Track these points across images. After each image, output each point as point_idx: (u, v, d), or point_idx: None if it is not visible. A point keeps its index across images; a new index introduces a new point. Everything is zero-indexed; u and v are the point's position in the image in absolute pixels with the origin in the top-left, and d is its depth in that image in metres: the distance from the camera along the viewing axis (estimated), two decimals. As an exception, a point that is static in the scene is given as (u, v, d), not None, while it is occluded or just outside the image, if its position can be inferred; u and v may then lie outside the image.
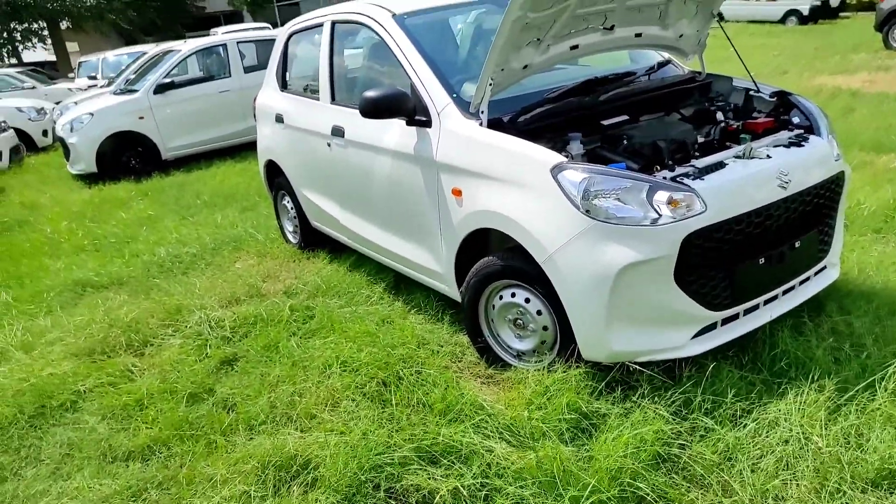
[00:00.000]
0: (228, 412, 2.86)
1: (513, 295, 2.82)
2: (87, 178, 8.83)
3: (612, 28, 3.03)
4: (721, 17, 3.36)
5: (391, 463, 2.23)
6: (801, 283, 2.85)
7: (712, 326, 2.59)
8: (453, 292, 3.22)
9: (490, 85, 2.76)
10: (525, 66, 2.88)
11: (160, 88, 8.84)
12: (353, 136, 3.64)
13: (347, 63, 4.03)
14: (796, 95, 3.15)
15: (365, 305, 3.77)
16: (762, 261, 2.59)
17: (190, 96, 9.07)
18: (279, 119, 4.59)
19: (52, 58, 28.34)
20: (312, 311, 3.72)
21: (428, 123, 3.07)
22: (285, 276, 4.52)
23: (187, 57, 9.31)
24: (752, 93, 3.29)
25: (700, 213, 2.40)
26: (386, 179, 3.45)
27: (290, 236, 5.11)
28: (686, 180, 2.47)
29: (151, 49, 12.00)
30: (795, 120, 3.03)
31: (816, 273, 2.93)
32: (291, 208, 4.87)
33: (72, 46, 31.32)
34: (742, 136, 2.94)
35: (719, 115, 3.22)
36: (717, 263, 2.50)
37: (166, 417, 2.83)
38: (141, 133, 8.83)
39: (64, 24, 26.57)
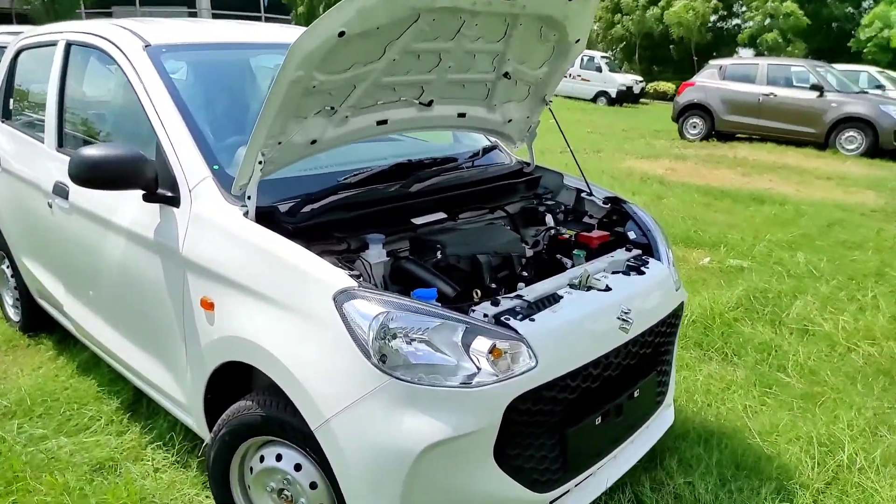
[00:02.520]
0: None
1: (278, 458, 1.99)
2: None
3: (430, 104, 2.41)
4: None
5: None
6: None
7: (536, 509, 1.97)
8: (203, 431, 2.31)
9: (260, 163, 1.98)
10: (313, 142, 2.14)
11: None
12: (79, 199, 2.63)
13: (83, 100, 3.00)
14: (631, 204, 2.75)
15: (84, 435, 2.70)
16: (598, 419, 2.04)
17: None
18: (-6, 159, 3.39)
19: None
20: (1, 445, 2.57)
21: (175, 201, 2.19)
22: (-14, 374, 3.27)
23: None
24: (583, 194, 2.84)
25: (529, 370, 1.79)
26: (117, 266, 2.48)
27: (10, 312, 3.82)
28: (513, 321, 1.85)
29: None
30: (631, 235, 2.60)
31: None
32: (11, 276, 3.63)
33: None
34: (575, 251, 2.44)
35: (549, 219, 2.72)
36: (546, 430, 1.89)
37: None
38: None
39: None
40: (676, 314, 2.42)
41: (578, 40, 2.54)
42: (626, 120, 18.08)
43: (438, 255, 2.16)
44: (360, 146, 2.64)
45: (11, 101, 3.49)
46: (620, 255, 2.40)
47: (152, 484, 2.37)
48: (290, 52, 1.75)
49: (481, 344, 1.76)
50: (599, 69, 23.39)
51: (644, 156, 11.10)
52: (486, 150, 2.95)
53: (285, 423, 1.90)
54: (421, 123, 2.52)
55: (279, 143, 2.00)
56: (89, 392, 3.02)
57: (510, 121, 2.83)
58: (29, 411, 2.85)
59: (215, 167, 2.18)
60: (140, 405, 2.90)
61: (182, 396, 2.34)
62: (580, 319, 1.97)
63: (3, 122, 3.48)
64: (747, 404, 3.01)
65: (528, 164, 3.02)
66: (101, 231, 2.54)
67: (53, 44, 3.03)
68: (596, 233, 2.53)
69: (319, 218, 2.10)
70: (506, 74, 2.51)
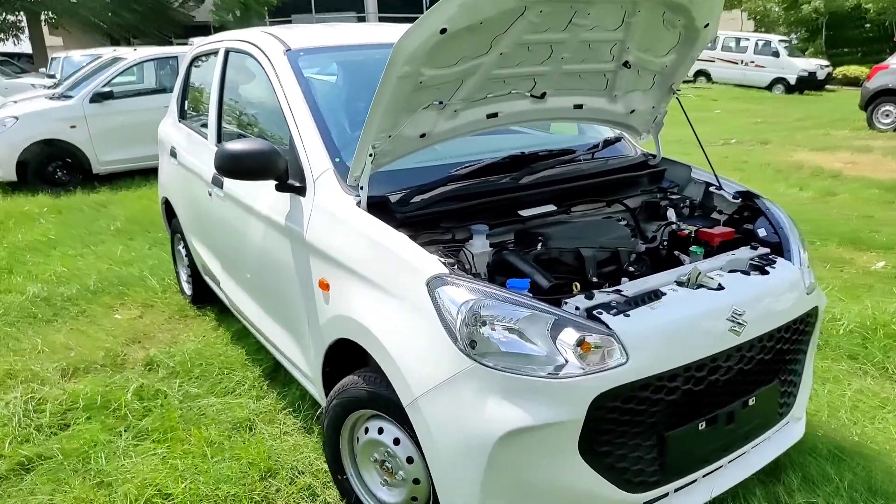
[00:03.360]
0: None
1: (380, 431, 2.13)
2: (6, 187, 8.03)
3: (542, 96, 2.40)
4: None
5: None
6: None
7: (630, 509, 1.92)
8: (323, 400, 2.52)
9: (371, 155, 2.11)
10: (423, 135, 2.23)
11: (98, 97, 8.12)
12: (230, 189, 2.96)
13: (238, 100, 3.36)
14: (764, 199, 2.54)
15: (229, 397, 3.05)
16: (703, 425, 1.93)
17: (131, 108, 8.35)
18: (173, 153, 3.91)
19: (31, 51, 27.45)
20: (159, 399, 2.99)
21: (302, 191, 2.40)
22: (161, 338, 3.80)
23: (132, 66, 8.64)
24: (712, 189, 2.68)
25: (619, 366, 1.75)
26: (258, 248, 2.77)
27: (184, 286, 4.38)
28: (605, 315, 1.81)
29: (107, 53, 11.29)
30: (761, 233, 2.40)
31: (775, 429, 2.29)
32: (185, 255, 4.16)
33: (55, 41, 30.46)
34: (693, 247, 2.32)
35: (670, 214, 2.60)
36: (642, 430, 1.83)
37: None
38: (71, 143, 8.07)
39: (43, 17, 25.70)
40: (808, 320, 2.22)
41: (707, 24, 2.39)
42: (804, 108, 16.39)
43: (540, 247, 2.16)
44: (483, 138, 2.72)
45: (186, 102, 3.99)
46: (744, 254, 2.24)
47: (279, 445, 2.62)
48: (395, 50, 1.85)
49: (569, 336, 1.75)
50: (777, 54, 21.39)
51: (819, 147, 10.04)
52: (609, 143, 2.88)
53: (386, 399, 2.02)
54: (534, 116, 2.53)
55: (389, 136, 2.12)
56: (238, 360, 3.40)
57: (633, 111, 2.74)
58: (189, 372, 3.27)
59: (336, 160, 2.36)
60: (278, 374, 3.22)
61: (307, 368, 2.56)
62: (682, 318, 1.88)
63: (180, 121, 4.00)
64: (903, 427, 2.67)
65: (653, 157, 2.91)
66: (245, 217, 2.84)
67: (216, 52, 3.43)
68: (718, 229, 2.38)
69: (427, 208, 2.20)
70: (626, 63, 2.43)
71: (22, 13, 25.32)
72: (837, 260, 4.83)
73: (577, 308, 1.84)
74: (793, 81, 20.91)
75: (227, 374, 3.25)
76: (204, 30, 28.14)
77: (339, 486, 2.33)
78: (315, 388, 2.57)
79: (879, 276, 4.49)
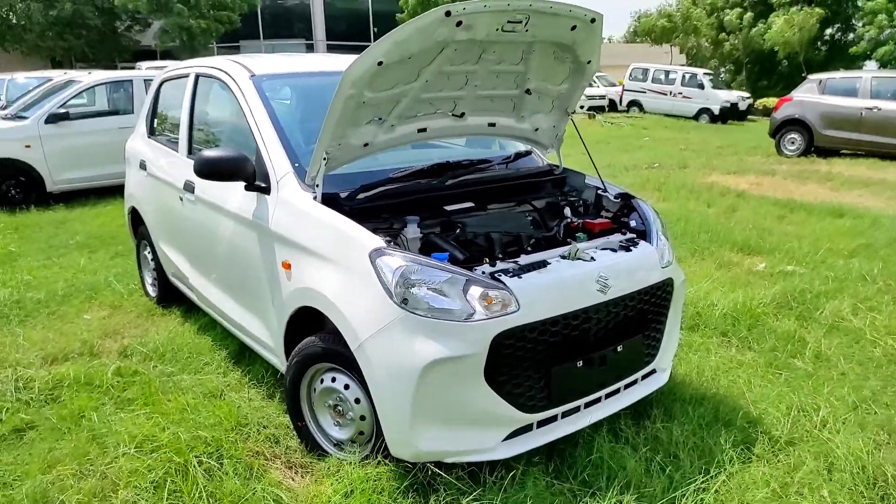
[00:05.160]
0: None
1: (333, 380, 2.67)
2: (-43, 206, 8.19)
3: (462, 115, 3.03)
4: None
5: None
6: (627, 386, 2.84)
7: (527, 428, 2.51)
8: (283, 366, 3.03)
9: (325, 159, 2.68)
10: (366, 144, 2.82)
11: (53, 118, 8.40)
12: (202, 193, 3.47)
13: (206, 117, 3.88)
14: (638, 199, 3.22)
15: (200, 374, 3.51)
16: (580, 363, 2.55)
17: (86, 129, 8.65)
18: (143, 166, 4.37)
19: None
20: (137, 377, 3.43)
21: (267, 190, 2.94)
22: (131, 332, 4.20)
23: (87, 89, 8.95)
24: (600, 192, 3.35)
25: (513, 313, 2.35)
26: (227, 243, 3.28)
27: (149, 289, 4.80)
28: (503, 277, 2.42)
29: (58, 76, 11.51)
30: (633, 223, 3.08)
31: (645, 377, 2.93)
32: (151, 259, 4.59)
33: (-8, 63, 29.93)
34: (578, 234, 2.96)
35: (567, 211, 3.25)
36: (532, 364, 2.43)
37: (-82, 496, 2.47)
38: (25, 162, 8.31)
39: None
40: (665, 288, 2.88)
41: (590, 61, 3.06)
42: (725, 137, 17.76)
43: (459, 232, 2.77)
44: (415, 150, 3.33)
45: (155, 121, 4.48)
46: (615, 238, 2.90)
47: (246, 406, 3.11)
48: (344, 76, 2.44)
49: (476, 292, 2.35)
50: (702, 86, 23.02)
51: (731, 171, 11.09)
52: (520, 155, 3.53)
53: (338, 352, 2.57)
54: (456, 132, 3.15)
55: (339, 144, 2.70)
56: (205, 345, 3.86)
57: (537, 129, 3.39)
58: (161, 357, 3.71)
59: (296, 165, 2.91)
60: (243, 356, 3.69)
61: (270, 340, 3.07)
62: (561, 280, 2.51)
63: (149, 137, 4.47)
64: (751, 381, 3.35)
65: (556, 167, 3.57)
66: (216, 216, 3.35)
67: (186, 76, 3.95)
68: (598, 220, 3.04)
69: (370, 202, 2.78)
70: (527, 91, 3.09)
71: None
72: (728, 262, 5.62)
73: (482, 272, 2.44)
74: (716, 112, 22.50)
75: (196, 356, 3.71)
76: (149, 55, 28.19)
77: (299, 432, 2.84)
78: (277, 358, 3.08)
79: (760, 274, 5.28)
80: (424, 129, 2.99)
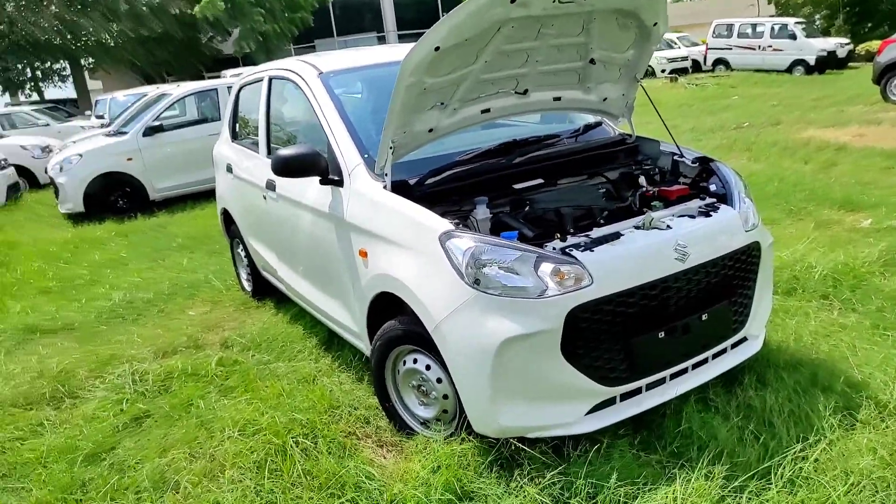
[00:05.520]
0: (123, 475, 2.78)
1: (415, 361, 2.75)
2: (76, 218, 8.95)
3: (525, 92, 3.01)
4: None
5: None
6: (716, 356, 2.75)
7: (611, 402, 2.49)
8: (368, 350, 3.14)
9: (391, 148, 2.74)
10: (431, 130, 2.86)
11: (149, 131, 9.01)
12: (282, 190, 3.63)
13: (282, 118, 4.04)
14: (717, 162, 3.09)
15: (293, 361, 3.70)
16: (662, 334, 2.49)
17: (179, 139, 9.22)
18: (229, 169, 4.61)
19: (75, 95, 29.23)
20: (237, 366, 3.66)
21: (340, 183, 3.04)
22: (230, 325, 4.48)
23: (177, 101, 9.51)
24: (676, 158, 3.23)
25: (586, 287, 2.33)
26: (308, 235, 3.43)
27: (244, 284, 5.09)
28: (575, 252, 2.40)
29: (151, 91, 12.29)
30: (713, 188, 2.96)
31: (735, 346, 2.83)
32: (244, 256, 4.86)
33: (96, 84, 32.30)
34: (654, 203, 2.88)
35: (642, 180, 3.16)
36: (610, 337, 2.41)
37: (57, 479, 2.76)
38: (128, 174, 8.97)
39: (84, 63, 27.39)
40: (750, 252, 2.76)
41: (656, 24, 2.95)
42: (823, 88, 16.54)
43: (527, 209, 2.76)
44: (486, 131, 3.34)
45: (237, 125, 4.71)
46: (694, 204, 2.80)
47: (338, 390, 3.25)
48: (403, 65, 2.48)
49: (548, 268, 2.34)
50: (794, 36, 21.50)
51: (830, 124, 10.35)
52: (589, 127, 3.46)
53: (418, 333, 2.63)
54: (521, 109, 3.13)
55: (404, 132, 2.75)
56: (297, 334, 4.06)
57: (605, 99, 3.31)
58: (258, 346, 3.94)
59: (365, 156, 3.00)
60: (332, 342, 3.86)
61: (355, 326, 3.19)
62: (635, 250, 2.46)
63: (233, 141, 4.71)
64: (855, 344, 3.15)
65: (629, 136, 3.47)
66: (296, 211, 3.51)
67: (261, 80, 4.13)
68: (675, 187, 2.94)
69: (438, 187, 2.82)
70: (591, 61, 3.02)
71: (65, 60, 27.02)
72: (828, 221, 5.28)
73: (553, 248, 2.43)
74: (812, 62, 20.98)
75: (289, 345, 3.91)
76: (232, 62, 29.50)
77: (387, 412, 2.95)
78: (363, 343, 3.20)
79: (864, 231, 4.92)
80: (488, 110, 2.99)
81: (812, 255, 4.27)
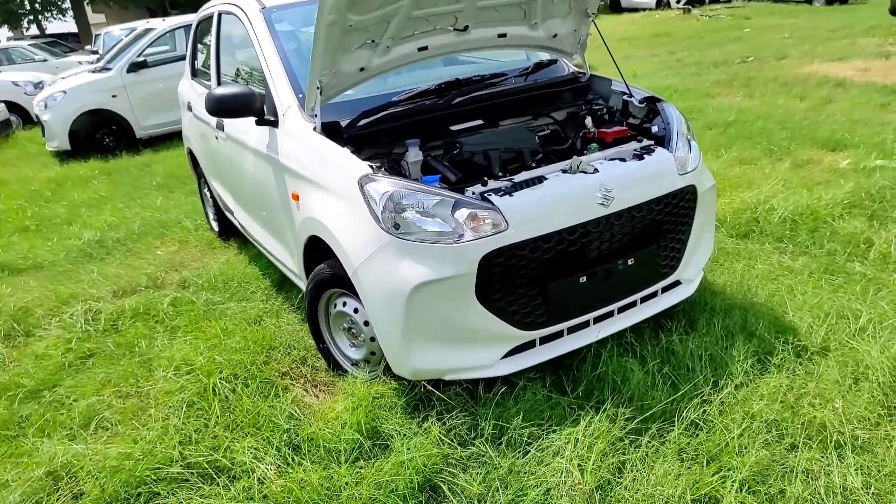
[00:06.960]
0: (58, 412, 2.86)
1: (344, 304, 2.76)
2: (63, 155, 8.94)
3: (465, 28, 2.89)
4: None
5: (164, 479, 2.21)
6: (645, 300, 2.73)
7: (530, 345, 2.50)
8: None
9: (319, 89, 2.66)
10: (362, 69, 2.77)
11: (133, 67, 8.86)
12: (229, 131, 3.58)
13: (233, 54, 3.94)
14: (664, 102, 2.98)
15: (245, 302, 3.74)
16: (583, 278, 2.47)
17: (164, 75, 9.03)
18: (189, 107, 4.55)
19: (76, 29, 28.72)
20: (191, 306, 3.70)
21: (276, 123, 2.98)
22: (193, 265, 4.51)
23: (162, 35, 9.29)
24: (626, 97, 3.12)
25: (501, 232, 2.30)
26: (252, 177, 3.40)
27: (212, 223, 5.09)
28: (493, 196, 2.36)
29: (142, 25, 12.01)
30: (654, 129, 2.87)
31: (667, 289, 2.81)
32: (210, 196, 4.85)
33: (98, 18, 31.64)
34: (591, 145, 2.81)
35: (588, 121, 3.07)
36: (526, 282, 2.39)
37: (-5, 415, 2.85)
38: (114, 111, 8.88)
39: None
40: (684, 196, 2.69)
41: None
42: (842, 19, 15.84)
43: (456, 152, 2.70)
44: (431, 70, 3.24)
45: (196, 62, 4.61)
46: (629, 146, 2.72)
47: (279, 331, 3.29)
48: (320, 4, 2.37)
49: (464, 213, 2.31)
50: (814, -38, 20.47)
51: (836, 58, 9.96)
52: (540, 65, 3.34)
53: (343, 278, 2.63)
54: (462, 46, 3.01)
55: (333, 72, 2.67)
56: (253, 275, 4.09)
57: (555, 35, 3.18)
58: (214, 287, 3.98)
59: (300, 96, 2.92)
60: (285, 284, 3.88)
61: (295, 267, 3.20)
62: (556, 194, 2.40)
63: (192, 79, 4.62)
64: (795, 288, 3.12)
65: (583, 75, 3.35)
66: (241, 151, 3.46)
67: (212, 15, 4.00)
68: (613, 129, 2.85)
69: (370, 128, 2.75)
70: (536, -6, 2.88)
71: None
72: (807, 161, 5.15)
73: (472, 193, 2.38)
74: (833, -9, 20.04)
75: (244, 285, 3.94)
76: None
77: (322, 352, 2.99)
78: (303, 284, 3.21)
79: (840, 172, 4.80)
80: (426, 48, 2.89)
81: (776, 198, 4.18)
